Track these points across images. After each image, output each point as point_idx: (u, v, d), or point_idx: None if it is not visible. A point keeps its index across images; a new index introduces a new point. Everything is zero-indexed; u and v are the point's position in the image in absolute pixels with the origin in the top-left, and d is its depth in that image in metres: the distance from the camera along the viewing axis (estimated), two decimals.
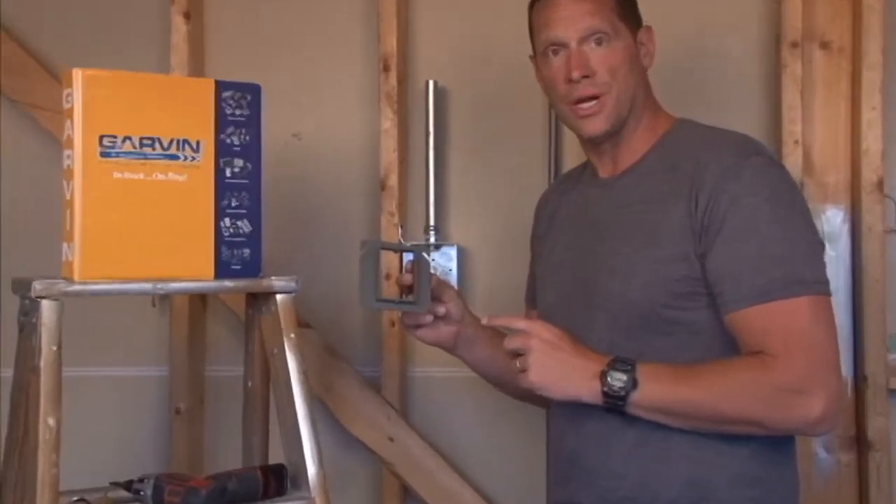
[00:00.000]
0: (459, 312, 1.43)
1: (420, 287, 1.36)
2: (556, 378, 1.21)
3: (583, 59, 1.29)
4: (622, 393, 1.19)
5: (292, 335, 1.33)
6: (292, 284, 1.35)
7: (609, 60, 1.29)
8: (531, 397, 1.30)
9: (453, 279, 1.98)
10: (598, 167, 1.39)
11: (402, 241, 1.97)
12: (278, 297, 1.35)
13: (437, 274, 1.96)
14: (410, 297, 1.37)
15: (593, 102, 1.31)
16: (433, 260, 1.99)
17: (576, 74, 1.29)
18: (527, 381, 1.23)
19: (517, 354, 1.24)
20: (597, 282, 1.31)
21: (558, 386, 1.22)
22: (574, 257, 1.37)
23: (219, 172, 1.32)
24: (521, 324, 1.26)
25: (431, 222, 2.01)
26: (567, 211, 1.44)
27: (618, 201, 1.33)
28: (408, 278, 1.39)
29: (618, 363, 1.20)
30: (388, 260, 1.97)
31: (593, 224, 1.36)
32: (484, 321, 1.30)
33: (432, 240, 2.00)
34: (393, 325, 1.97)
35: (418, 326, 1.42)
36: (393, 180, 1.98)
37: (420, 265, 1.38)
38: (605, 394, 1.19)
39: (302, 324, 1.93)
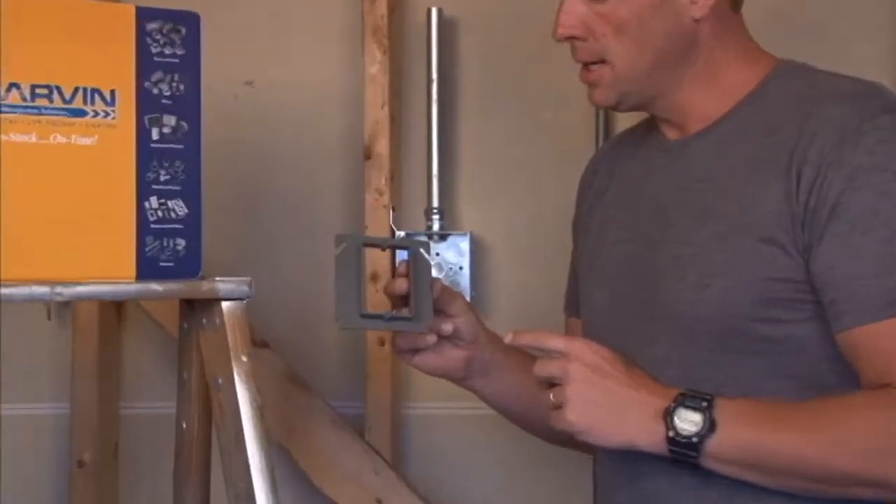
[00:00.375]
0: (472, 330, 1.44)
1: (418, 296, 1.36)
2: (603, 417, 1.21)
3: (571, 16, 1.31)
4: (694, 439, 1.18)
5: (244, 358, 1.33)
6: (244, 289, 1.35)
7: (612, 16, 1.29)
8: (572, 441, 1.30)
9: (465, 282, 1.99)
10: (662, 127, 1.39)
11: (393, 230, 1.98)
12: (225, 305, 1.34)
13: (442, 277, 1.97)
14: (405, 311, 1.38)
15: (596, 66, 1.32)
16: (437, 255, 1.99)
17: (558, 33, 1.32)
18: (562, 420, 1.22)
19: (552, 384, 1.25)
20: (661, 283, 1.30)
21: (606, 428, 1.22)
22: (631, 249, 1.37)
23: (142, 134, 1.32)
24: (555, 342, 1.25)
25: (435, 204, 2.01)
26: (623, 184, 1.44)
27: (690, 173, 1.32)
28: (401, 285, 1.39)
29: (689, 398, 1.19)
30: (376, 259, 1.97)
31: (657, 203, 1.35)
32: (507, 340, 1.30)
33: (436, 228, 2.00)
34: (382, 344, 1.97)
35: (416, 351, 1.43)
36: (381, 146, 1.98)
37: (418, 266, 1.37)
38: (670, 440, 1.19)
39: (258, 343, 1.93)
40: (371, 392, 1.99)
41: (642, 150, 1.42)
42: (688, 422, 1.18)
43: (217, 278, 1.36)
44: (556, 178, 1.96)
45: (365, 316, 1.35)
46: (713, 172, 1.30)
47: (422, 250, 1.40)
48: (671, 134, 1.37)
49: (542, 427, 1.39)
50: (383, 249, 1.50)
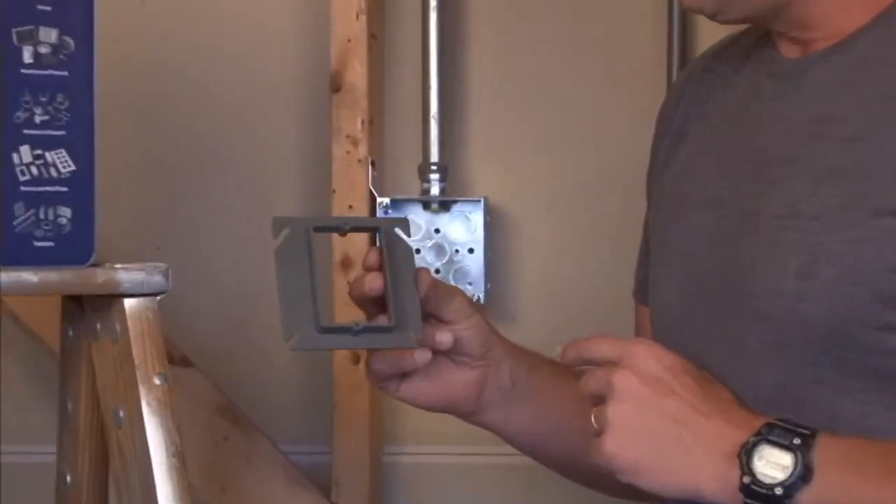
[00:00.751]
0: (481, 340, 1.44)
1: (399, 297, 1.37)
2: (656, 451, 1.22)
3: None
4: (778, 490, 1.18)
5: (156, 381, 1.32)
6: (158, 280, 1.34)
7: None
8: (641, 490, 1.31)
9: (476, 270, 2.01)
10: (778, 41, 1.39)
11: (373, 195, 1.98)
12: (129, 304, 1.33)
13: (443, 265, 2.00)
14: (382, 320, 1.38)
15: None
16: (436, 232, 2.01)
17: None
18: (599, 451, 1.23)
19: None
20: (754, 269, 1.31)
21: (658, 467, 1.22)
22: (718, 216, 1.38)
23: (8, 55, 1.31)
24: (605, 347, 1.26)
25: (434, 157, 2.03)
26: (715, 119, 1.45)
27: (809, 108, 1.33)
28: (373, 282, 1.38)
29: (778, 430, 1.20)
30: (345, 240, 1.97)
31: (759, 150, 1.36)
32: (557, 351, 1.31)
33: (435, 191, 2.02)
34: (357, 361, 1.98)
35: (403, 376, 1.45)
36: (356, 73, 1.99)
37: (395, 253, 1.38)
38: (745, 488, 1.20)
39: (177, 360, 1.95)
40: (340, 431, 2.00)
41: (747, 71, 1.43)
42: (772, 464, 1.18)
43: (118, 265, 1.37)
44: (611, 120, 1.97)
45: (326, 330, 1.34)
46: (840, 109, 1.31)
47: (398, 230, 1.40)
48: (789, 51, 1.38)
49: (600, 475, 1.39)
50: (342, 234, 1.49)
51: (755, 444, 1.21)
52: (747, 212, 1.35)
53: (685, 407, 1.23)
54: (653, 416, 1.23)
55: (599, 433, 1.24)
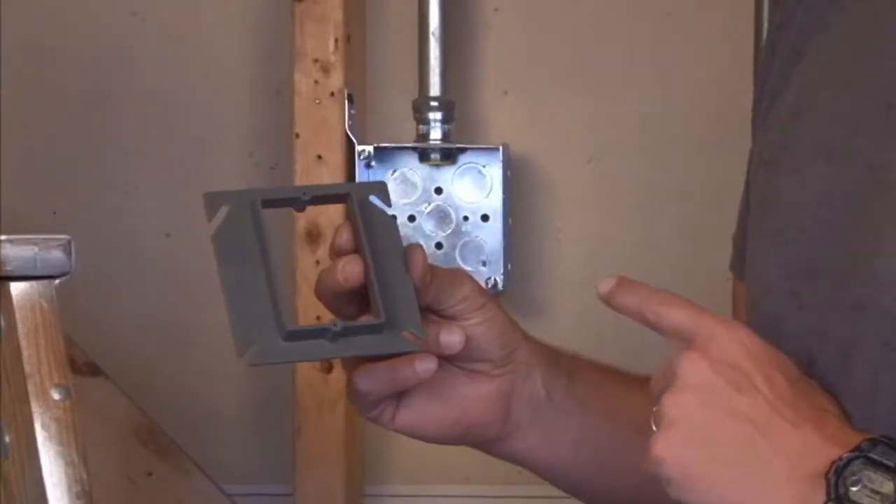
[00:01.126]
0: (500, 338, 1.42)
1: (386, 286, 1.38)
2: (714, 456, 1.22)
3: None
4: None
5: (55, 395, 1.33)
6: (56, 256, 1.35)
7: None
8: None
9: (492, 245, 2.03)
10: None
11: (352, 141, 1.99)
12: (16, 289, 1.35)
13: (441, 241, 2.03)
14: (367, 317, 1.39)
15: None
16: (437, 193, 2.03)
17: None
18: (647, 456, 1.24)
19: None
20: (878, 242, 1.33)
21: (712, 478, 1.21)
22: (838, 171, 1.38)
23: None
24: (676, 314, 1.25)
25: (434, 90, 2.05)
26: (841, 33, 1.46)
27: None
28: (350, 270, 1.39)
29: (881, 447, 1.22)
30: (313, 210, 1.98)
31: None
32: (600, 289, 1.25)
33: (436, 136, 2.04)
34: (329, 370, 1.99)
35: (400, 398, 1.45)
36: None
37: (373, 229, 1.39)
38: None
39: (82, 367, 1.96)
40: (305, 466, 2.02)
41: None
42: (868, 491, 1.20)
43: (2, 237, 1.39)
44: (679, 51, 1.99)
45: (294, 335, 1.35)
46: None
47: (374, 198, 1.41)
48: None
49: None
50: (300, 209, 1.48)
51: (849, 462, 1.22)
52: (875, 167, 1.36)
53: (766, 408, 1.24)
54: (721, 414, 1.23)
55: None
